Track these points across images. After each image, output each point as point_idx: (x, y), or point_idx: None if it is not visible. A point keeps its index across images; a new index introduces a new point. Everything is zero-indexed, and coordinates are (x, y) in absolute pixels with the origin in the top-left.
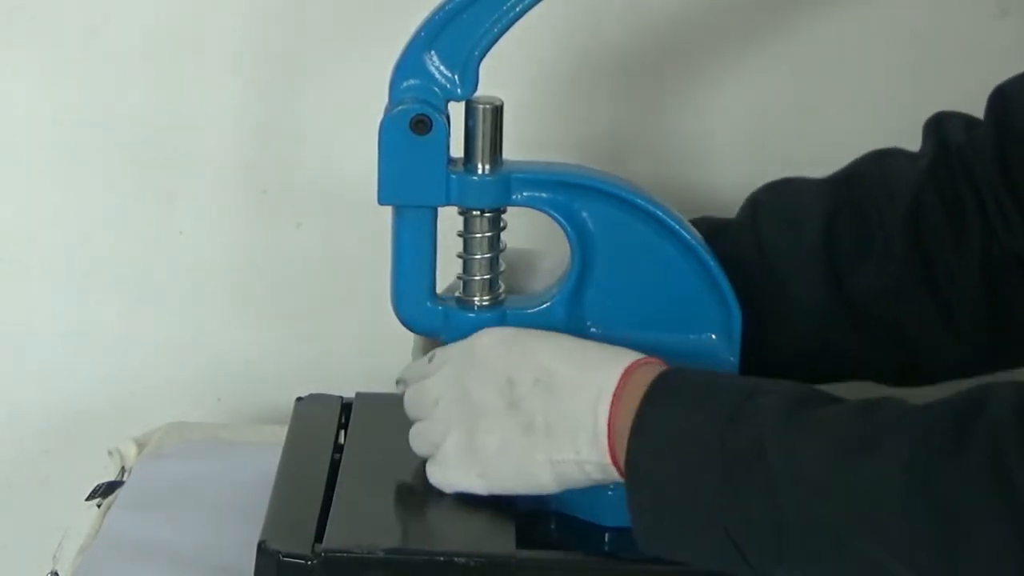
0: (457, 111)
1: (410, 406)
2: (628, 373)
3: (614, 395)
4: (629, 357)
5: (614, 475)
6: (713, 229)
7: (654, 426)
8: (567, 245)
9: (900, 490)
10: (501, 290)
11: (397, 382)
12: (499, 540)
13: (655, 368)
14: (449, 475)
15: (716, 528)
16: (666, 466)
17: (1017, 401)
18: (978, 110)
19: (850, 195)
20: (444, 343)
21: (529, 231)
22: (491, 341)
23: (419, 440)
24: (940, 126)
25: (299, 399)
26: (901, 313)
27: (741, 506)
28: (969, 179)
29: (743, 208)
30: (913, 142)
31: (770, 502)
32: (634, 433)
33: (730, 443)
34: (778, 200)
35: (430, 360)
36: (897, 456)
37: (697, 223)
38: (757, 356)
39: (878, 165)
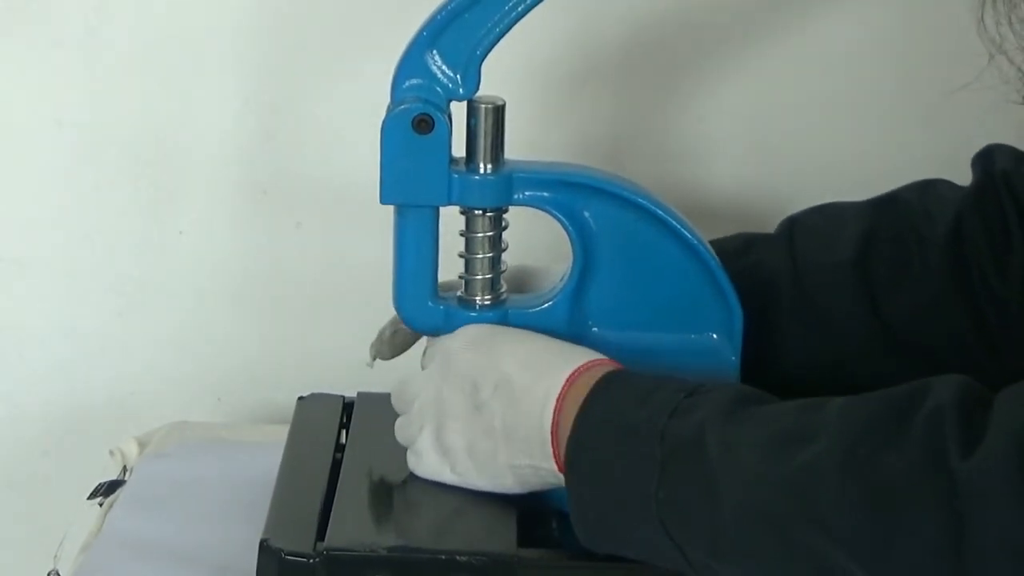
0: (459, 111)
1: (395, 401)
2: (573, 377)
3: (557, 400)
4: (577, 360)
5: (563, 480)
6: (747, 243)
7: (595, 420)
8: (568, 245)
9: (837, 476)
10: (503, 289)
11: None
12: (501, 539)
13: (603, 368)
14: (424, 467)
15: (653, 522)
16: (605, 458)
17: (958, 393)
18: (976, 110)
19: (890, 216)
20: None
21: (530, 231)
22: (461, 343)
23: (400, 433)
24: (988, 156)
25: (301, 398)
26: (938, 334)
27: (679, 499)
28: (1014, 202)
29: (780, 224)
30: (913, 142)
31: (708, 494)
32: (575, 426)
33: (669, 436)
34: (816, 219)
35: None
36: (835, 444)
37: (732, 238)
38: (784, 371)
39: (921, 191)
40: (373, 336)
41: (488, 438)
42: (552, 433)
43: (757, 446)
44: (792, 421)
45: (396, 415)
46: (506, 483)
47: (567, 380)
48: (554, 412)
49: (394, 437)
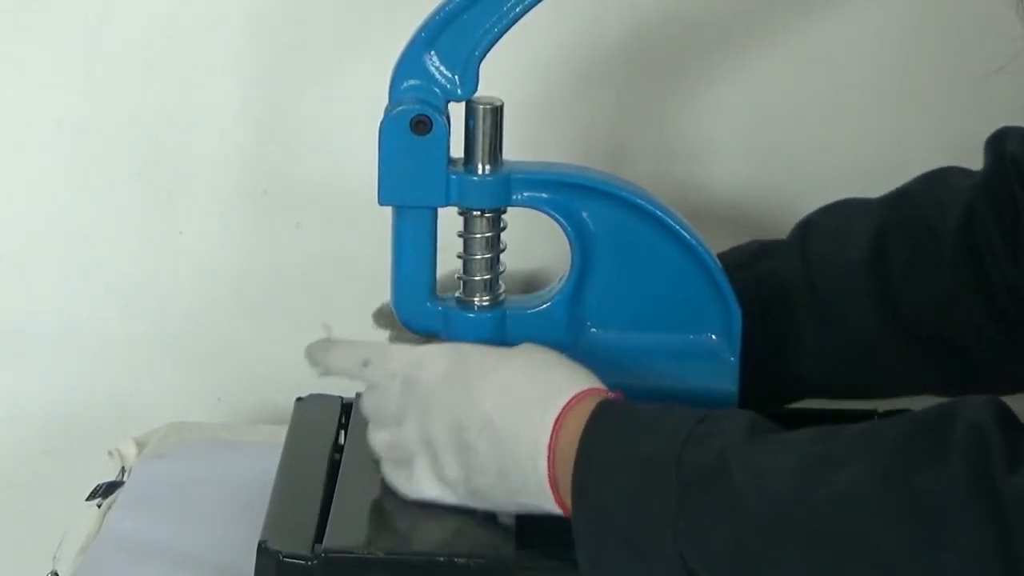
0: (457, 111)
1: (371, 412)
2: (561, 420)
3: (549, 451)
4: (561, 397)
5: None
6: (760, 249)
7: (601, 449)
8: (567, 246)
9: (877, 496)
10: (501, 290)
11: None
12: (499, 540)
13: (591, 399)
14: (424, 494)
15: (670, 555)
16: (615, 489)
17: (994, 411)
18: (977, 109)
19: (901, 211)
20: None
21: (529, 231)
22: (435, 378)
23: (386, 451)
24: (999, 140)
25: (299, 399)
26: (956, 325)
27: (699, 528)
28: None
29: (793, 229)
30: (915, 142)
31: (732, 522)
32: (579, 458)
33: (687, 463)
34: (827, 220)
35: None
36: (871, 466)
37: (745, 245)
38: (803, 373)
39: (931, 182)
40: (372, 336)
41: (483, 475)
42: (551, 482)
43: (785, 471)
44: (816, 447)
45: None
46: (508, 510)
47: (554, 427)
48: (548, 463)
49: None
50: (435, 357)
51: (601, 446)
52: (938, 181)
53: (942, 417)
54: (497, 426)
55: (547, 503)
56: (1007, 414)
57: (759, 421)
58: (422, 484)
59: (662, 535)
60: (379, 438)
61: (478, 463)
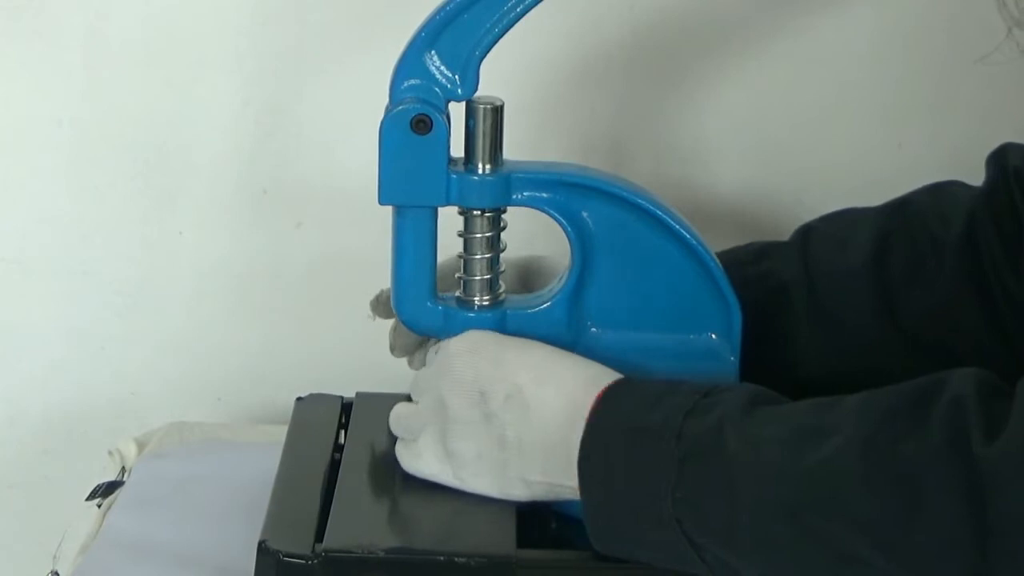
0: (458, 111)
1: (411, 388)
2: (601, 397)
3: (588, 422)
4: (602, 380)
5: (578, 494)
6: (761, 251)
7: (609, 423)
8: (567, 245)
9: (858, 466)
10: (501, 290)
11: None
12: (499, 540)
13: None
14: (420, 468)
15: (670, 522)
16: (620, 460)
17: (976, 383)
18: (978, 111)
19: (902, 220)
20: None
21: (529, 231)
22: (460, 348)
23: (399, 423)
24: (1001, 155)
25: (299, 399)
26: (955, 333)
27: (698, 497)
28: None
29: (795, 233)
30: (914, 141)
31: (728, 490)
32: (589, 430)
33: (686, 434)
34: (829, 226)
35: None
36: (856, 434)
37: (746, 246)
38: (799, 377)
39: (932, 193)
40: (373, 335)
41: (500, 449)
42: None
43: (777, 442)
44: (810, 417)
45: None
46: (514, 494)
47: (596, 401)
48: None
49: (394, 438)
50: (469, 331)
51: (609, 418)
52: (939, 193)
53: (929, 388)
54: (526, 394)
55: (567, 479)
56: (992, 385)
57: (761, 393)
58: (425, 457)
59: (663, 504)
60: (399, 409)
61: (496, 434)
